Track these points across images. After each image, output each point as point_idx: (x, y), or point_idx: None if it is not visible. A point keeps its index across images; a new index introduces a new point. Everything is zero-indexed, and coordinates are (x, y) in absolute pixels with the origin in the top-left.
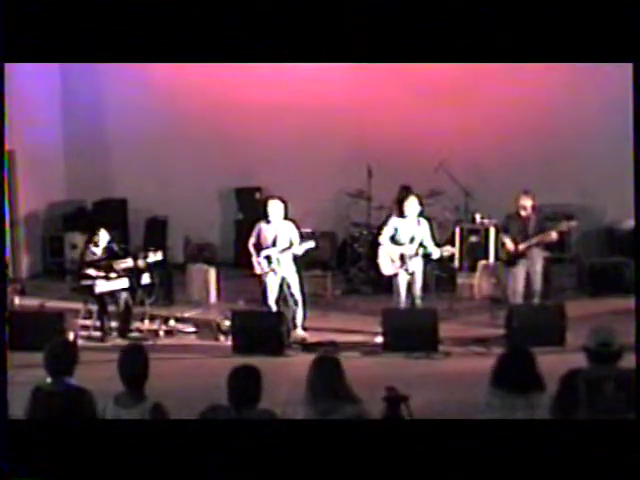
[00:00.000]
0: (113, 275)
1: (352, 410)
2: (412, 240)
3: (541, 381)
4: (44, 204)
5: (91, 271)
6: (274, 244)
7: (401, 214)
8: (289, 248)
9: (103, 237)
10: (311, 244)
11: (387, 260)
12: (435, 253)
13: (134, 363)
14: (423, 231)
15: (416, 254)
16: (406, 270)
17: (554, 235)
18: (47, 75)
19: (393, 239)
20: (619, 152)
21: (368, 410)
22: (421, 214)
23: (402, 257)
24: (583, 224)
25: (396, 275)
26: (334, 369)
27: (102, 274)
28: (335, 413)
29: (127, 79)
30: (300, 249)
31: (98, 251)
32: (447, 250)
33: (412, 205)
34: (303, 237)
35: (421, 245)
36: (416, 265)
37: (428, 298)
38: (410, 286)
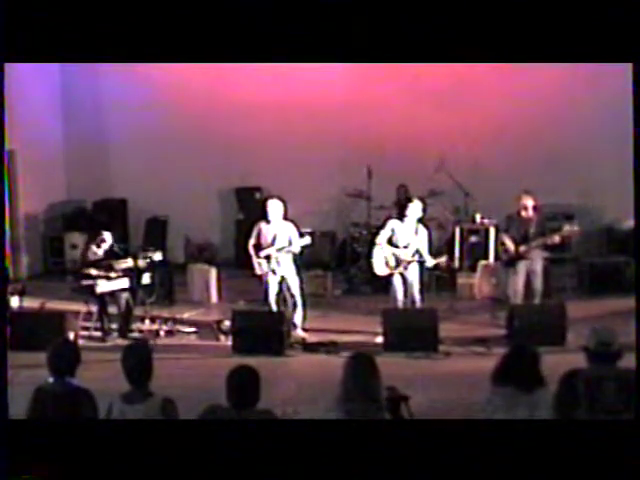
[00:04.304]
0: (113, 275)
1: (378, 413)
2: (408, 245)
3: (543, 379)
4: (44, 204)
5: (93, 271)
6: (273, 243)
7: (401, 215)
8: (287, 246)
9: (108, 239)
10: (307, 240)
11: (382, 261)
12: (429, 262)
13: (138, 359)
14: (421, 238)
15: (410, 262)
16: (400, 273)
17: (557, 239)
18: (47, 75)
19: (390, 241)
20: (619, 152)
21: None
22: (421, 220)
23: (397, 260)
24: (583, 224)
25: (392, 277)
26: (370, 368)
27: (103, 274)
28: (365, 415)
29: (127, 79)
30: (297, 247)
31: (100, 252)
32: (442, 260)
33: (415, 209)
34: (302, 236)
35: (417, 252)
36: (412, 270)
37: (428, 298)
38: (407, 289)
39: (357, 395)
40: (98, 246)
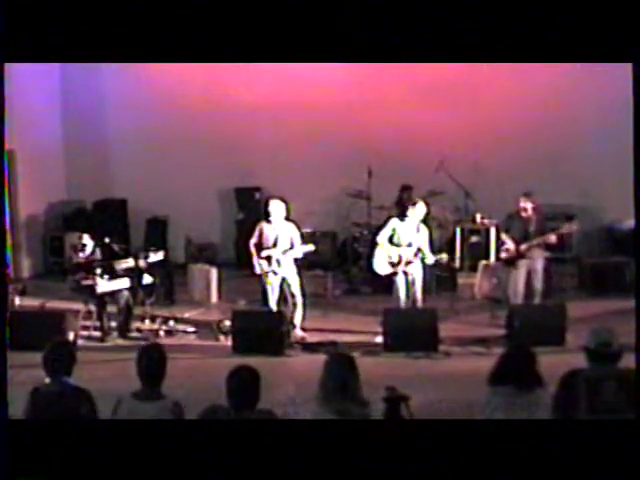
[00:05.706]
0: (105, 276)
1: (359, 412)
2: (410, 244)
3: (541, 379)
4: (44, 204)
5: (82, 274)
6: (275, 244)
7: (402, 215)
8: (289, 250)
9: (88, 243)
10: (311, 247)
11: (384, 260)
12: (430, 259)
13: (152, 360)
14: (422, 237)
15: (410, 262)
16: (404, 272)
17: (553, 238)
18: (47, 75)
19: (391, 240)
20: (619, 152)
21: (373, 413)
22: (424, 221)
23: (399, 259)
24: (583, 224)
25: (395, 276)
26: (349, 368)
27: (92, 276)
28: (346, 414)
29: (127, 79)
30: (299, 252)
31: (83, 256)
32: (442, 258)
33: (418, 211)
34: (304, 237)
35: (419, 250)
36: (415, 269)
37: (428, 298)
38: (409, 288)
39: (336, 395)
40: (81, 251)
